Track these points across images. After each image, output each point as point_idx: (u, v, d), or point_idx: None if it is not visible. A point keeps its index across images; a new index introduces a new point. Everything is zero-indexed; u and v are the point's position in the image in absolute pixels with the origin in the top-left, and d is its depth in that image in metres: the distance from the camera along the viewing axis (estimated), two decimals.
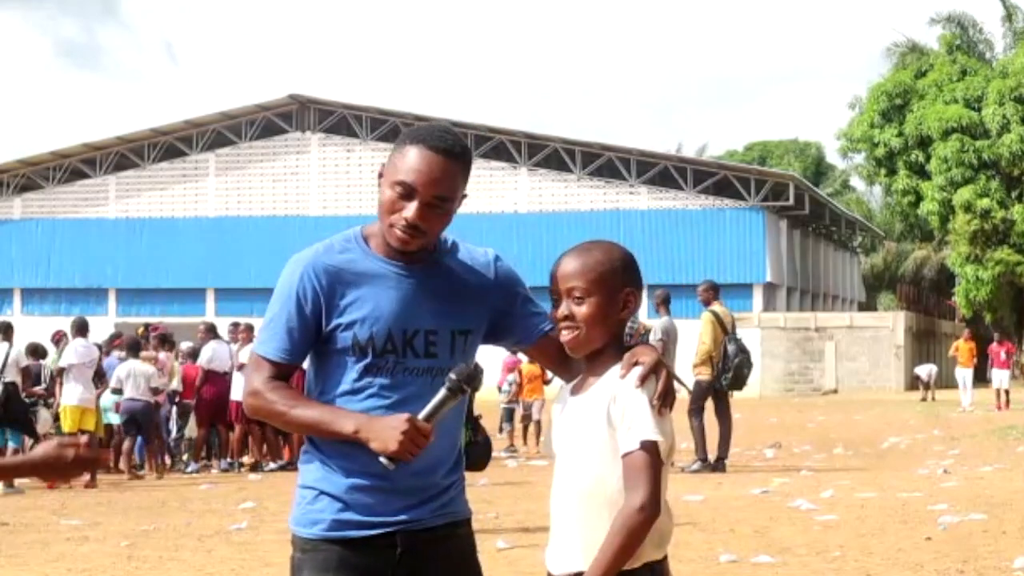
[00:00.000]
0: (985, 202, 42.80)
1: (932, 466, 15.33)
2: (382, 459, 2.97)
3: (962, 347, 31.32)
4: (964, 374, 30.69)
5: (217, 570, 8.89)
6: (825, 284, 57.76)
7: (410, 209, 3.02)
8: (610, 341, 3.02)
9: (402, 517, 3.10)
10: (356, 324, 3.08)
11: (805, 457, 17.71)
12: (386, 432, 2.95)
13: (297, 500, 3.19)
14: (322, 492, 3.12)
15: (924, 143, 44.53)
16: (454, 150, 3.05)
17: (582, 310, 2.97)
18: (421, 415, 2.98)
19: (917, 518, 10.64)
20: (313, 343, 3.11)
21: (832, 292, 58.99)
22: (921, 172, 45.04)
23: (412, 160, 3.02)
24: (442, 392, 3.00)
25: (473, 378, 3.02)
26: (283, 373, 3.12)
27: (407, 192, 3.02)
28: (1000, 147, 42.21)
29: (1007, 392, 30.32)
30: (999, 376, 30.63)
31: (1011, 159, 42.28)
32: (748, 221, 47.76)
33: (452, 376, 3.00)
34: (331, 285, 3.08)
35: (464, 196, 3.13)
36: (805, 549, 9.22)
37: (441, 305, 3.12)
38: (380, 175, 3.11)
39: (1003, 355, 30.74)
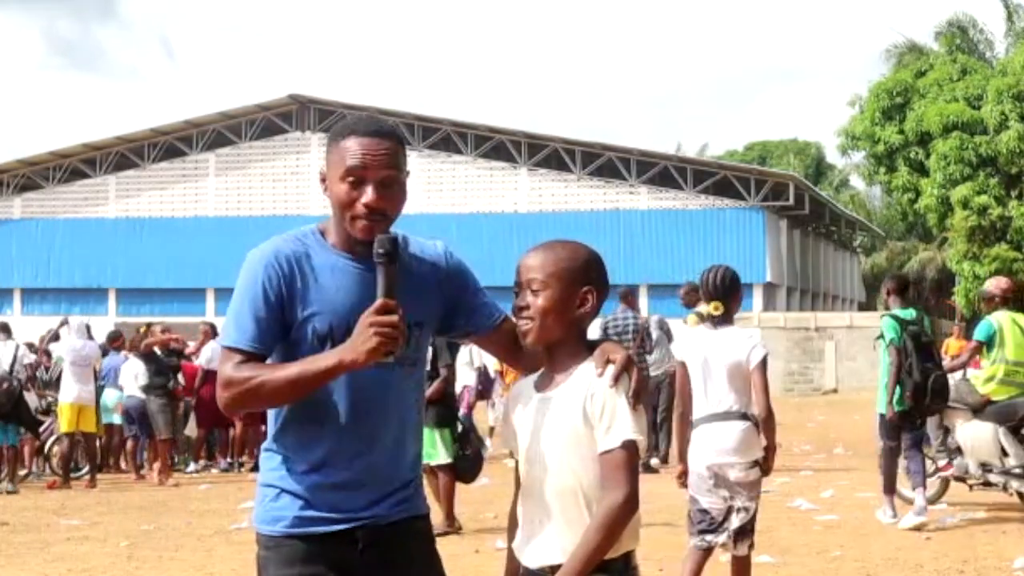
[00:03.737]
0: (983, 199, 42.82)
1: (932, 466, 15.30)
2: (381, 359, 2.97)
3: (952, 345, 29.83)
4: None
5: (217, 570, 8.90)
6: (825, 284, 57.76)
7: (367, 194, 3.08)
8: (569, 336, 3.08)
9: (364, 513, 3.13)
10: (315, 317, 3.10)
11: (805, 457, 17.70)
12: (361, 341, 2.95)
13: (259, 498, 3.21)
14: (283, 490, 3.15)
15: (924, 140, 44.61)
16: (384, 130, 3.14)
17: (537, 302, 3.05)
18: (379, 298, 2.98)
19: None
20: (280, 335, 3.11)
21: (832, 292, 58.99)
22: (921, 169, 45.11)
23: (353, 149, 3.09)
24: (379, 270, 3.02)
25: (392, 241, 3.05)
26: (251, 361, 3.10)
27: (358, 179, 3.08)
28: (999, 144, 42.26)
29: None
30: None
31: (1009, 156, 42.32)
32: (748, 221, 47.74)
33: (377, 251, 3.03)
34: (291, 275, 3.12)
35: (407, 174, 3.19)
36: (805, 549, 9.22)
37: (397, 297, 3.13)
38: (322, 179, 3.17)
39: None
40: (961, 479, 11.26)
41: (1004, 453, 10.78)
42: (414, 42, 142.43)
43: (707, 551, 6.49)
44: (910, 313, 10.61)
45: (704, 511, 6.41)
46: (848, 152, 49.15)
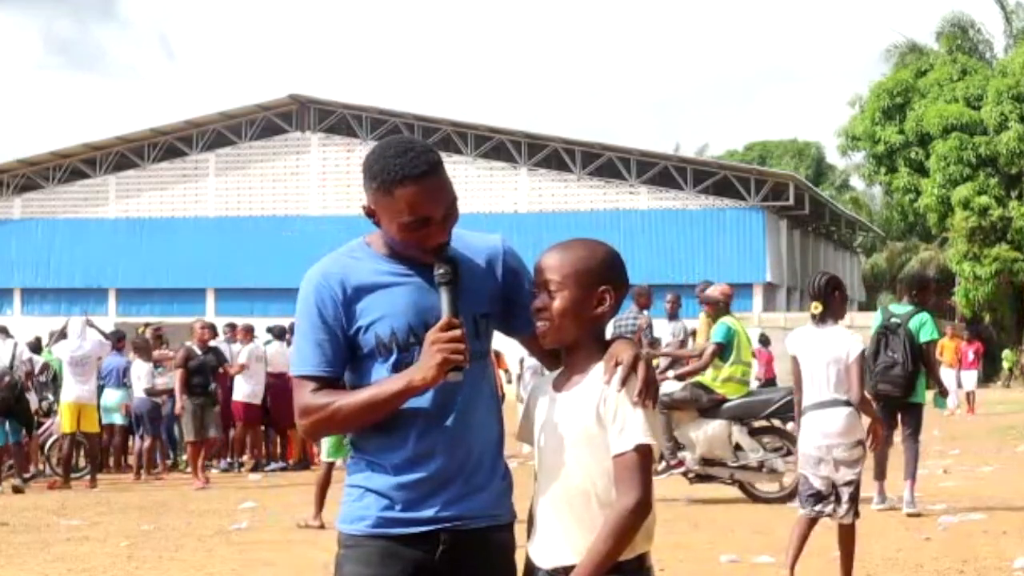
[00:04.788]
0: (983, 199, 42.83)
1: (932, 466, 15.30)
2: (449, 377, 3.01)
3: (947, 345, 29.00)
4: (947, 374, 28.27)
5: (217, 570, 8.90)
6: None
7: (435, 234, 3.09)
8: (586, 336, 3.06)
9: (446, 514, 3.12)
10: (376, 324, 3.13)
11: None
12: (427, 359, 3.01)
13: (344, 498, 3.24)
14: (367, 490, 3.16)
15: (924, 141, 44.64)
16: (432, 164, 3.08)
17: (554, 303, 3.03)
18: (444, 317, 3.03)
19: (917, 518, 10.64)
20: (347, 353, 3.15)
21: None
22: (921, 170, 45.12)
23: (409, 199, 3.05)
24: (442, 292, 3.06)
25: (451, 260, 3.09)
26: (325, 387, 3.15)
27: (422, 224, 3.07)
28: (999, 145, 42.27)
29: (973, 394, 28.81)
30: (967, 377, 29.07)
31: (1009, 157, 42.33)
32: (748, 221, 47.74)
33: (438, 272, 3.07)
34: (345, 291, 3.14)
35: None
36: (805, 549, 9.20)
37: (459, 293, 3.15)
38: (368, 213, 3.14)
39: (971, 355, 29.34)
40: (684, 474, 12.13)
41: (737, 448, 11.92)
42: (414, 42, 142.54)
43: (813, 520, 7.59)
44: (902, 309, 11.24)
45: (812, 486, 7.54)
46: (848, 152, 49.16)
